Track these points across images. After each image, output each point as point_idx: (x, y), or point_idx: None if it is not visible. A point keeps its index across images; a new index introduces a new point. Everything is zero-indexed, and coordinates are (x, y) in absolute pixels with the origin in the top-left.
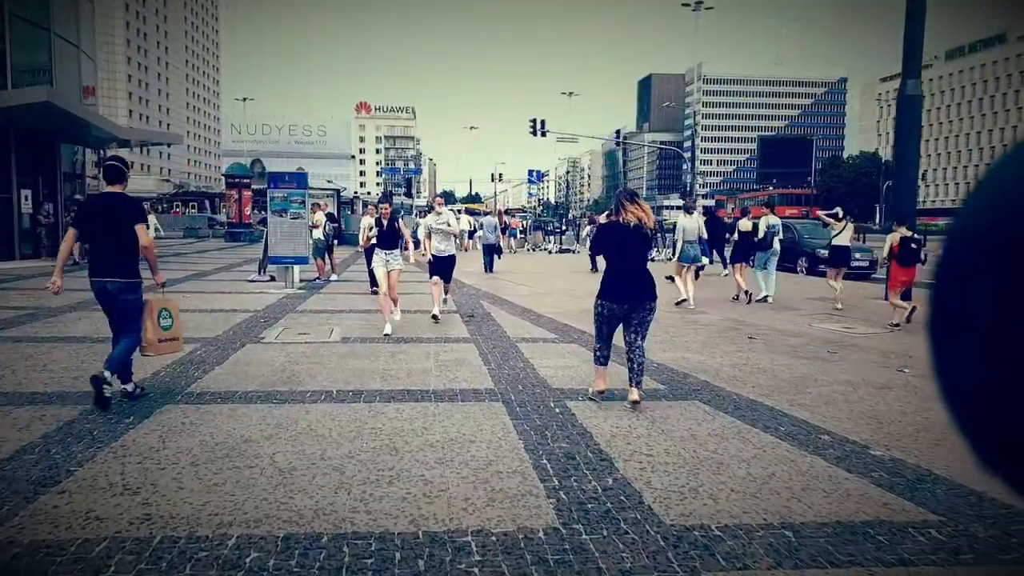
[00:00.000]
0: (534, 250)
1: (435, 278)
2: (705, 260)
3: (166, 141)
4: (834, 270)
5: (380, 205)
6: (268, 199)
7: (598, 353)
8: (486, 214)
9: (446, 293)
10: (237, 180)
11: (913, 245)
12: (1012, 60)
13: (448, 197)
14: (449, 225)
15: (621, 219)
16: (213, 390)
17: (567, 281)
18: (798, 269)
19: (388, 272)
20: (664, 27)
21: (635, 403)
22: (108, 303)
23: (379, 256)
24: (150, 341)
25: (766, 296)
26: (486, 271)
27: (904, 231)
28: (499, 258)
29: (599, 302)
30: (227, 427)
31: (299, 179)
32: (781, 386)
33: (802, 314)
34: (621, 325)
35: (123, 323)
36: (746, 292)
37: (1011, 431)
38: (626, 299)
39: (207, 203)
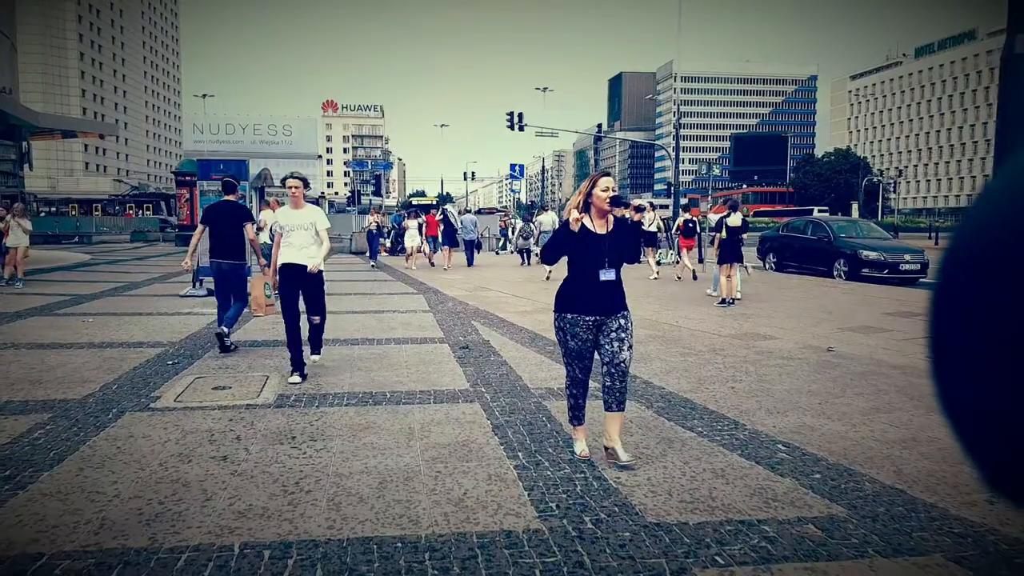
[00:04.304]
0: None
1: None
2: None
3: (98, 131)
4: (651, 249)
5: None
6: (199, 194)
7: (573, 403)
8: (467, 212)
9: None
10: (189, 178)
11: (691, 224)
12: (982, 56)
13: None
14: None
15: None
16: None
17: None
18: (835, 274)
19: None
20: (637, 25)
21: (622, 465)
22: (222, 278)
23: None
24: (259, 304)
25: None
26: (468, 265)
27: (688, 216)
28: (478, 252)
29: (560, 317)
30: None
31: (237, 168)
32: None
33: (900, 339)
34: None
35: (232, 293)
36: (729, 297)
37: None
38: (598, 309)
39: (163, 205)
